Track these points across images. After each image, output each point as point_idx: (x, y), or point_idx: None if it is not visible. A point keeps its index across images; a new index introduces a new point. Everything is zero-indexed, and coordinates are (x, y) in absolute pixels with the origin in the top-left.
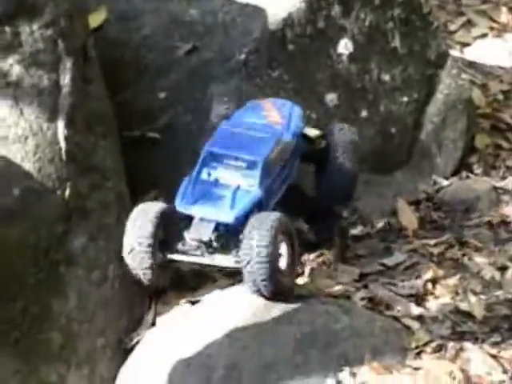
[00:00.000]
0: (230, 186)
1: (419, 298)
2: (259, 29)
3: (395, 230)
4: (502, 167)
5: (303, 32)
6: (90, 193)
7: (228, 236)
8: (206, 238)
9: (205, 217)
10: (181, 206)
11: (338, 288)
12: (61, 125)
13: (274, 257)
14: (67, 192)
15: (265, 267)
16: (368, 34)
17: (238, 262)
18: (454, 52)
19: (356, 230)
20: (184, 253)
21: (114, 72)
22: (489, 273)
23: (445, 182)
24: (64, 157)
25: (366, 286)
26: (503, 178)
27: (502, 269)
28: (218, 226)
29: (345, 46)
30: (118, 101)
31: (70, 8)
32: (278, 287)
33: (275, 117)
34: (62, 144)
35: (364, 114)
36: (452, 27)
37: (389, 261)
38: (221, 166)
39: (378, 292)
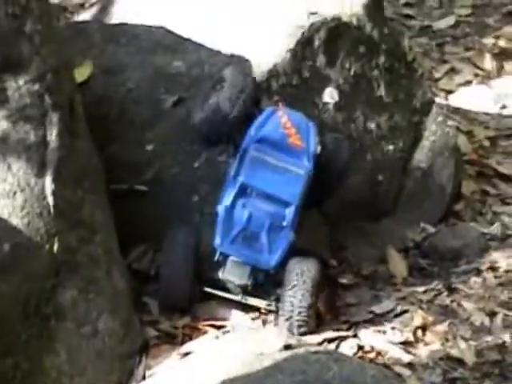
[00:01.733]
0: (264, 223)
1: (409, 346)
2: (245, 79)
3: (384, 277)
4: (490, 213)
5: (289, 82)
6: (79, 247)
7: (264, 281)
8: (241, 283)
9: (244, 261)
10: (222, 247)
11: (328, 337)
12: (48, 180)
13: (313, 310)
14: (56, 246)
15: (303, 321)
16: (353, 82)
17: (272, 305)
18: (439, 99)
19: (345, 279)
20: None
21: (101, 126)
22: (478, 319)
23: (433, 229)
24: (52, 211)
25: (355, 335)
26: (491, 223)
27: (492, 314)
28: (254, 269)
29: (330, 95)
30: (105, 154)
31: (56, 63)
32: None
33: (294, 137)
34: (50, 199)
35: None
36: (436, 75)
37: (378, 308)
38: (255, 199)
39: (368, 340)
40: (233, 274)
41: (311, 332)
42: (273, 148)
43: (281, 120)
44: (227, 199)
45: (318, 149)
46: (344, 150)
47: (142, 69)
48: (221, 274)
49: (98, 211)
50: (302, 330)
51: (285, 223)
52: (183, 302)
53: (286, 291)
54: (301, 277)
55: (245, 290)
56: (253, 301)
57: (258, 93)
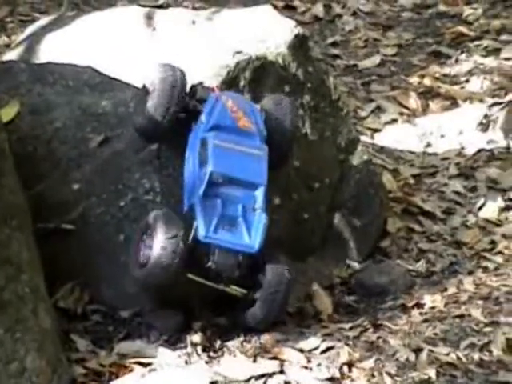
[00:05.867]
0: (238, 208)
1: (336, 382)
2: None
3: (310, 314)
4: (415, 250)
5: None
6: (6, 285)
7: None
8: (230, 274)
9: (230, 248)
10: (207, 238)
11: (255, 373)
12: None
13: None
14: None
15: (277, 315)
16: None
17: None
18: (365, 138)
19: None
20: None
21: (28, 165)
22: (404, 355)
23: (358, 266)
24: None
25: (282, 371)
26: (416, 260)
27: (417, 350)
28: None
29: None
30: (32, 193)
31: None
32: None
33: (243, 120)
34: None
35: (277, 201)
36: (362, 113)
37: (305, 345)
38: (224, 186)
39: (294, 376)
40: (222, 265)
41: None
42: (228, 133)
43: (227, 104)
44: (199, 190)
45: (263, 117)
46: (286, 107)
47: (69, 108)
48: (211, 263)
49: (25, 249)
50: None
51: (257, 205)
52: None
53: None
54: (276, 291)
55: (231, 280)
56: (236, 290)
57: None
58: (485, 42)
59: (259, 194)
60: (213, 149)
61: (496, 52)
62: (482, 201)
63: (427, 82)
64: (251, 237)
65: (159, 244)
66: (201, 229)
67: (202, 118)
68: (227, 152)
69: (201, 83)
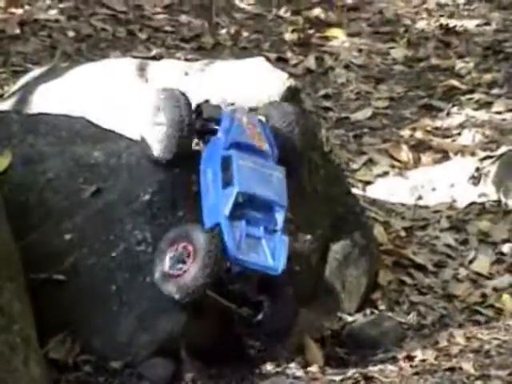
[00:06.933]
0: (260, 229)
1: None
2: (163, 170)
3: (301, 366)
4: (406, 302)
5: None
6: None
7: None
8: (248, 295)
9: (255, 268)
10: (236, 255)
11: None
12: None
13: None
14: None
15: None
16: None
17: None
18: (357, 190)
19: (264, 368)
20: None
21: (20, 215)
22: None
23: (350, 319)
24: None
25: None
26: (407, 313)
27: None
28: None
29: None
30: (24, 243)
31: None
32: None
33: (258, 138)
34: None
35: None
36: (354, 166)
37: None
38: (247, 208)
39: None
40: (240, 286)
41: None
42: (248, 152)
43: (242, 121)
44: (224, 210)
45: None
46: (290, 114)
47: (62, 158)
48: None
49: (17, 300)
50: None
51: (277, 227)
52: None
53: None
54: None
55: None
56: (245, 311)
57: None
58: (476, 96)
59: (279, 215)
60: (237, 169)
61: (487, 105)
62: (473, 254)
63: (419, 134)
64: (275, 259)
65: (200, 261)
66: (231, 250)
67: (219, 135)
68: (250, 172)
69: (207, 101)
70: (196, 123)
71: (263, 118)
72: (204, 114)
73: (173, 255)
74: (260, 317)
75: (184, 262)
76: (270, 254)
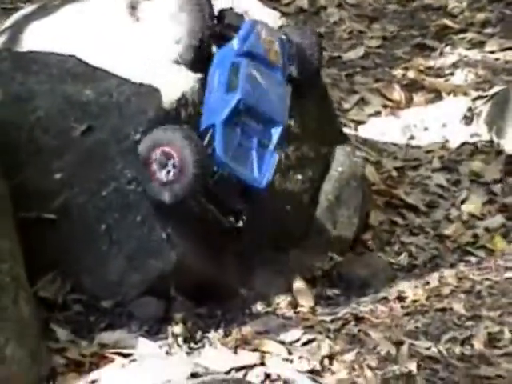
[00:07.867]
0: (253, 141)
1: (316, 374)
2: (154, 108)
3: (292, 306)
4: (397, 243)
5: (197, 111)
6: None
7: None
8: (230, 204)
9: (238, 177)
10: (223, 164)
11: (235, 365)
12: None
13: None
14: None
15: None
16: None
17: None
18: (349, 130)
19: (254, 308)
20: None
21: (9, 154)
22: (385, 348)
23: (340, 259)
24: None
25: (263, 363)
26: (398, 254)
27: (398, 344)
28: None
29: None
30: (14, 182)
31: None
32: None
33: (274, 52)
34: None
35: None
36: (346, 105)
37: (286, 337)
38: (245, 116)
39: (275, 369)
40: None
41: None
42: (259, 63)
43: (261, 33)
44: (222, 113)
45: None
46: (310, 36)
47: (52, 97)
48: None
49: (6, 238)
50: None
51: (270, 144)
52: None
53: None
54: None
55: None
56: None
57: None
58: (469, 35)
59: (275, 132)
60: (245, 77)
61: (480, 45)
62: (465, 194)
63: (411, 74)
64: (261, 172)
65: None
66: (220, 152)
67: (234, 42)
68: (256, 83)
69: (231, 8)
70: (216, 28)
71: (284, 37)
72: (226, 20)
73: (157, 160)
74: (240, 224)
75: (173, 167)
76: (257, 166)
